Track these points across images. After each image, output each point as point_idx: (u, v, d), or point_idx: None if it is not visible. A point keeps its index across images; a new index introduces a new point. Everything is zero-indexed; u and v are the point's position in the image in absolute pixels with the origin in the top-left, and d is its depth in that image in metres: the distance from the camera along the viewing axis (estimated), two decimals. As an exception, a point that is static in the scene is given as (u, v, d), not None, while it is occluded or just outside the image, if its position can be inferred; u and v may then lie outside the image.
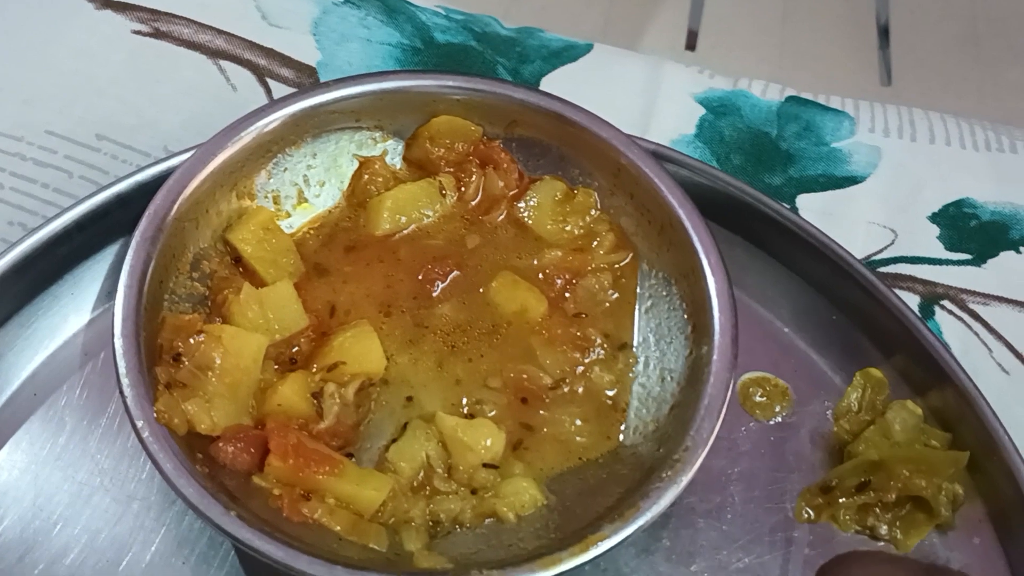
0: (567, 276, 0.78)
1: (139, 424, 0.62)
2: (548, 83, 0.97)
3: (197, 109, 0.90)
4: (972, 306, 0.87)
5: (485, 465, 0.69)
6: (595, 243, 0.79)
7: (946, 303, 0.87)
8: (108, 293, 0.78)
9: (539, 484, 0.70)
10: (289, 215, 0.80)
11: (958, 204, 0.93)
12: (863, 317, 0.81)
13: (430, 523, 0.68)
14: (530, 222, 0.80)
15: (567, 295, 0.78)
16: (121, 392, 0.63)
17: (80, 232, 0.77)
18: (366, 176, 0.81)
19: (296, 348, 0.73)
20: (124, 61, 0.92)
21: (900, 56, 2.61)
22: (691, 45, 2.61)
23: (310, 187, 0.80)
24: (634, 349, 0.76)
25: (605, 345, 0.76)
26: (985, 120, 1.02)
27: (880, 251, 0.90)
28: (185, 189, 0.72)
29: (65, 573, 0.69)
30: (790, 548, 0.74)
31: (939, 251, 0.90)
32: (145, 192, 0.73)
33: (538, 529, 0.67)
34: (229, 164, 0.75)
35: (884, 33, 2.62)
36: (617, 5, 2.70)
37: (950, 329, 0.86)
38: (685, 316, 0.74)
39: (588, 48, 1.02)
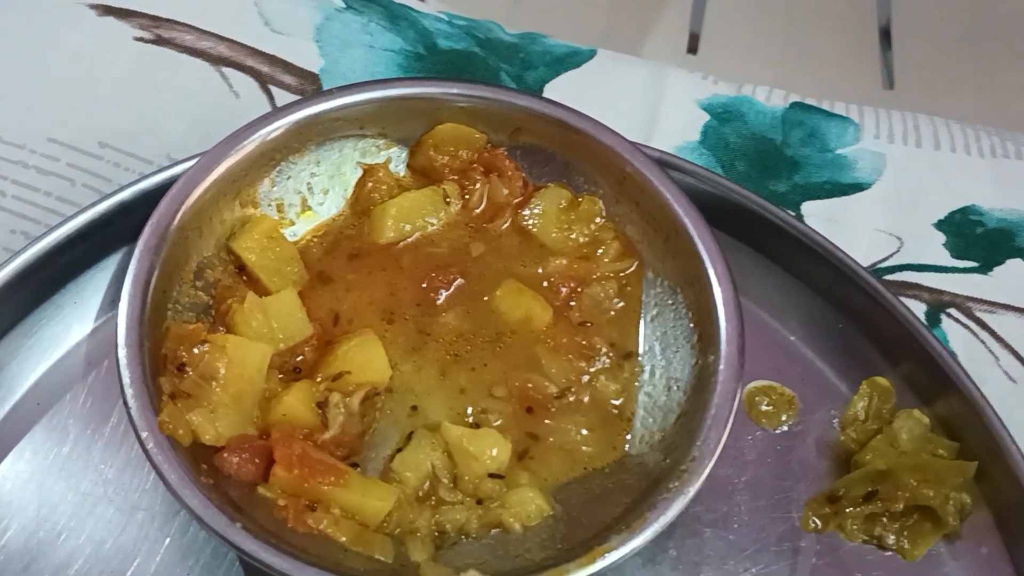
0: (572, 284, 0.78)
1: (143, 435, 0.62)
2: (551, 90, 0.97)
3: (199, 116, 0.90)
4: (979, 314, 0.87)
5: (491, 475, 0.69)
6: (600, 251, 0.79)
7: (952, 311, 0.87)
8: (111, 302, 0.77)
9: (545, 494, 0.69)
10: (293, 223, 0.79)
11: (964, 211, 0.93)
12: (869, 325, 0.81)
13: (436, 533, 0.67)
14: (535, 230, 0.80)
15: (572, 303, 0.77)
16: (125, 403, 0.63)
17: (83, 241, 0.76)
18: (370, 184, 0.81)
19: (300, 357, 0.72)
20: (126, 68, 0.92)
21: (902, 58, 2.61)
22: (693, 48, 2.61)
23: (314, 195, 0.80)
24: (640, 358, 0.76)
25: (610, 354, 0.76)
26: (990, 126, 1.02)
27: (886, 258, 0.89)
28: (188, 198, 0.71)
29: (69, 584, 0.69)
30: (797, 558, 0.74)
31: (945, 258, 0.90)
32: (148, 200, 0.72)
33: (544, 540, 0.67)
34: (232, 172, 0.74)
35: (885, 35, 2.62)
36: (619, 9, 2.70)
37: (956, 337, 0.86)
38: (691, 325, 0.74)
39: (591, 54, 1.01)
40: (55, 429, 0.73)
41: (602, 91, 0.98)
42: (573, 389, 0.74)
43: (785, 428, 0.79)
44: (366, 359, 0.71)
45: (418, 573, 0.64)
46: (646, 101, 0.98)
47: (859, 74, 2.59)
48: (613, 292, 0.78)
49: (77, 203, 0.84)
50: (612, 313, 0.78)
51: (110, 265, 0.79)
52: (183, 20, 0.95)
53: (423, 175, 0.82)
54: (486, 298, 0.77)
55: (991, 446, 0.74)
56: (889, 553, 0.74)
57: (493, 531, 0.68)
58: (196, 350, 0.66)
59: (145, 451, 0.62)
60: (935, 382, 0.77)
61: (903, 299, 0.80)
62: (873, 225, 0.91)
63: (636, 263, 0.79)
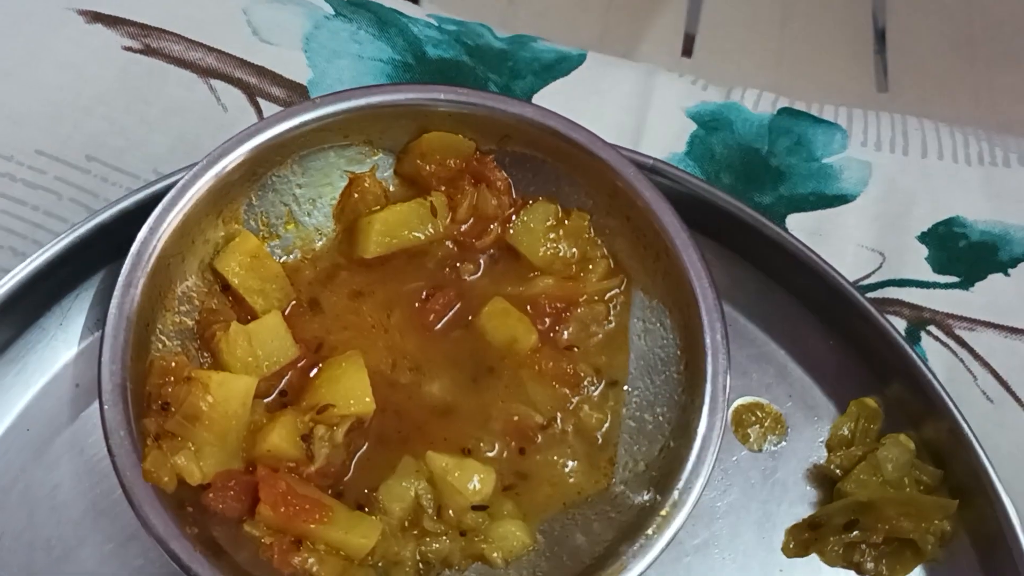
0: (559, 306, 0.77)
1: (128, 486, 0.63)
2: (539, 100, 0.96)
3: (187, 130, 0.89)
4: (958, 332, 0.86)
5: (474, 507, 0.69)
6: (588, 268, 0.78)
7: (932, 328, 0.87)
8: (96, 321, 0.78)
9: (528, 526, 0.70)
10: (279, 236, 0.79)
11: (948, 223, 0.92)
12: (858, 343, 0.82)
13: (420, 564, 0.68)
14: (522, 248, 0.79)
15: (558, 327, 0.77)
16: (109, 451, 0.63)
17: (64, 265, 0.76)
18: (356, 194, 0.80)
19: (286, 378, 0.73)
20: (113, 78, 0.91)
21: (896, 60, 2.59)
22: (688, 50, 2.58)
23: (300, 206, 0.79)
24: (625, 388, 0.76)
25: (596, 381, 0.76)
26: (980, 130, 1.01)
27: (869, 275, 0.89)
28: (168, 225, 0.70)
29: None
30: (777, 583, 0.74)
31: (927, 273, 0.90)
32: (130, 221, 0.71)
33: (526, 575, 0.67)
34: (213, 192, 0.73)
35: (880, 38, 2.61)
36: (614, 10, 2.68)
37: (935, 356, 0.86)
38: (678, 352, 0.74)
39: (581, 59, 1.01)
40: (45, 455, 0.74)
41: (590, 100, 0.97)
42: (559, 417, 0.74)
43: (771, 448, 0.79)
44: (350, 388, 0.71)
45: (402, 606, 0.65)
46: (633, 111, 0.97)
47: (854, 77, 2.57)
48: (601, 316, 0.77)
49: (64, 217, 0.84)
50: (599, 337, 0.77)
51: (94, 283, 0.79)
52: (172, 29, 0.94)
53: (411, 183, 0.81)
54: (471, 318, 0.77)
55: (973, 472, 0.74)
56: (869, 579, 0.75)
57: (476, 563, 0.68)
58: (181, 386, 0.66)
59: (130, 502, 0.63)
60: (922, 405, 0.77)
61: (886, 316, 0.80)
62: (857, 240, 0.91)
63: (624, 282, 0.78)
